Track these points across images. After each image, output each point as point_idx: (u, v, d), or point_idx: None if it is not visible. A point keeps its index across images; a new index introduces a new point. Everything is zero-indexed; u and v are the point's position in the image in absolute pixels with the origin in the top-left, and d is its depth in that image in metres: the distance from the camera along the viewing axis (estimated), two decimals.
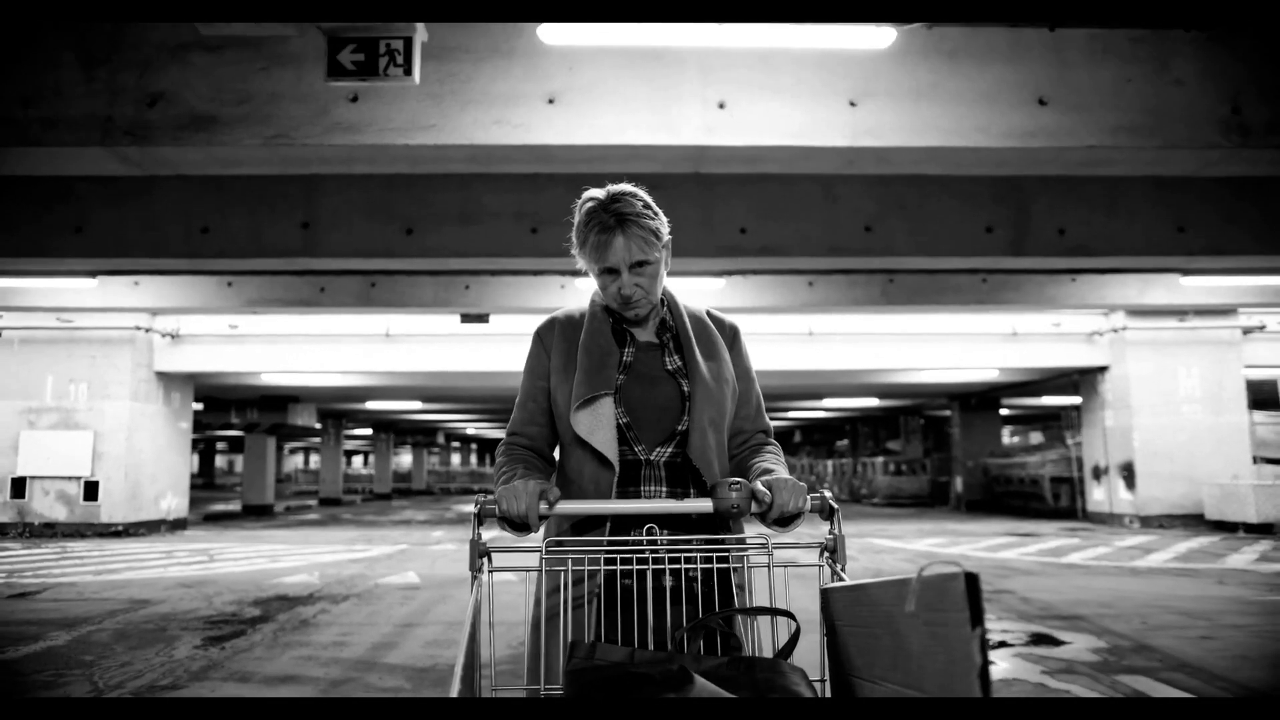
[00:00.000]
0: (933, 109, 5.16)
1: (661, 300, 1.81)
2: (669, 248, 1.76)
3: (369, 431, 34.82)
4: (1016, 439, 35.98)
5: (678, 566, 1.57)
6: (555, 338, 1.79)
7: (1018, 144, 5.15)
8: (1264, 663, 5.07)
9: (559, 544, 1.59)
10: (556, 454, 1.83)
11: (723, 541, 1.60)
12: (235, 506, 23.67)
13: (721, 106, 5.05)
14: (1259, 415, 15.61)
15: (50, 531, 13.94)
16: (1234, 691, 4.43)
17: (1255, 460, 14.82)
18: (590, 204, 1.71)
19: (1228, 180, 7.55)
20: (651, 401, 1.70)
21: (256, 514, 21.12)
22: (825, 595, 1.44)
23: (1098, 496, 16.06)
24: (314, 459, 57.29)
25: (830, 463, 31.90)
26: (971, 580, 0.89)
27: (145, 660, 5.31)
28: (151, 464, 14.87)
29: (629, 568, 1.57)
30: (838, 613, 1.39)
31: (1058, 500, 18.16)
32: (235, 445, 45.74)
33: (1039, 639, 5.79)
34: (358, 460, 59.36)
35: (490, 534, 1.62)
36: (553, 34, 4.17)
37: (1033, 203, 7.85)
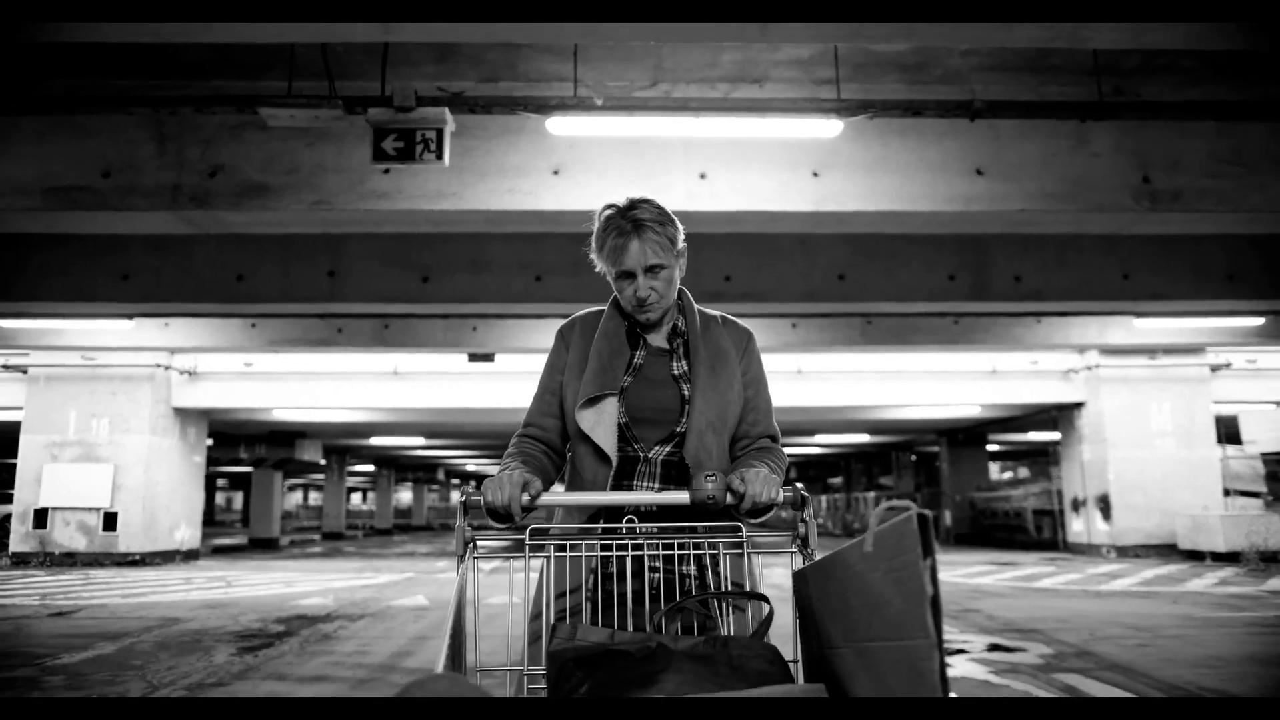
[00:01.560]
0: (886, 178, 5.98)
1: (679, 307, 1.88)
2: (684, 255, 1.82)
3: (371, 468, 35.38)
4: (1007, 474, 36.56)
5: (656, 552, 1.63)
6: (575, 336, 1.88)
7: (960, 208, 5.96)
8: (1186, 664, 5.72)
9: (542, 532, 1.62)
10: None
11: (699, 530, 1.65)
12: (240, 540, 24.18)
13: (702, 177, 5.86)
14: (1231, 449, 16.24)
15: (70, 560, 14.50)
16: (1154, 686, 5.07)
17: (1229, 493, 15.42)
18: (609, 211, 1.79)
19: (1162, 236, 8.38)
20: (653, 404, 1.79)
21: (263, 547, 21.63)
22: (797, 577, 1.49)
23: (1077, 528, 16.64)
24: (314, 496, 57.64)
25: (824, 498, 32.41)
26: (922, 519, 0.96)
27: (190, 664, 5.94)
28: (167, 496, 15.46)
29: (609, 554, 1.62)
30: (810, 591, 1.42)
31: (1040, 532, 18.72)
32: (235, 483, 46.21)
33: (994, 648, 6.43)
34: (356, 497, 59.67)
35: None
36: (558, 126, 5.00)
37: (990, 253, 8.67)
